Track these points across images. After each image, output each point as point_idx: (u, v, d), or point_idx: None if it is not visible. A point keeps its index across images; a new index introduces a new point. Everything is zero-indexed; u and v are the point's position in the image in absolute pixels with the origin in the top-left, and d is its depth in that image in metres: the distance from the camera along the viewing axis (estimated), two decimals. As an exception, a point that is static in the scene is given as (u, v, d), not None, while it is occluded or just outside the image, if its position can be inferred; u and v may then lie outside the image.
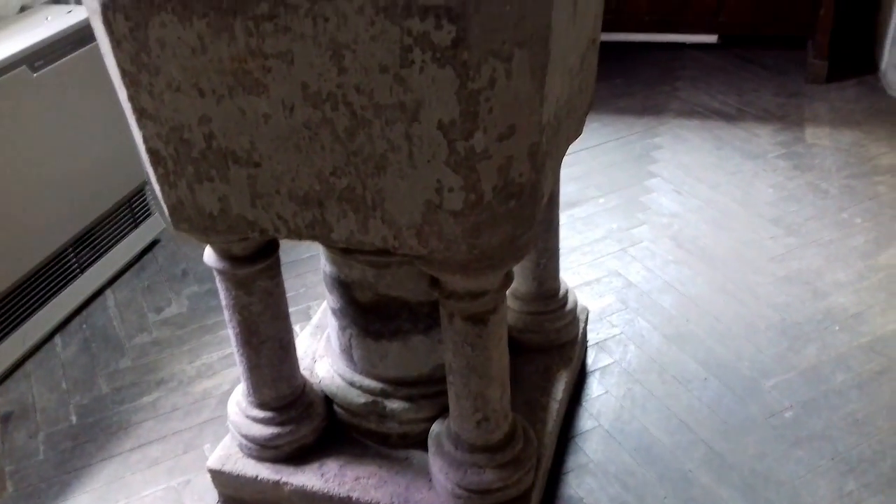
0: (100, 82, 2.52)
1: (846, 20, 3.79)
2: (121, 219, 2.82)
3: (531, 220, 1.37)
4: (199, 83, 1.26)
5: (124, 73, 1.30)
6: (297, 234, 1.41)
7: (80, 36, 2.51)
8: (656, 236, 2.75)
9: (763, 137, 3.32)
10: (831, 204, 2.83)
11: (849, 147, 3.18)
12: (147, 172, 1.45)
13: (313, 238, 1.41)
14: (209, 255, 1.62)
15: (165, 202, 1.45)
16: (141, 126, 1.35)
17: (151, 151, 1.38)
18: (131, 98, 1.32)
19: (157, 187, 1.44)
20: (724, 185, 3.02)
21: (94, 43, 2.49)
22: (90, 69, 2.53)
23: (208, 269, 2.75)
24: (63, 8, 2.64)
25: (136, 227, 2.89)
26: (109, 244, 2.77)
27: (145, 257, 2.91)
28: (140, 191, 2.88)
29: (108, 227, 2.75)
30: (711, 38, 4.18)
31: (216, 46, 1.21)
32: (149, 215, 2.95)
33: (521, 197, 1.31)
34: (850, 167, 3.04)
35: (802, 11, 3.85)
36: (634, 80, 3.90)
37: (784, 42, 4.07)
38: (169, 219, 1.48)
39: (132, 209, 2.86)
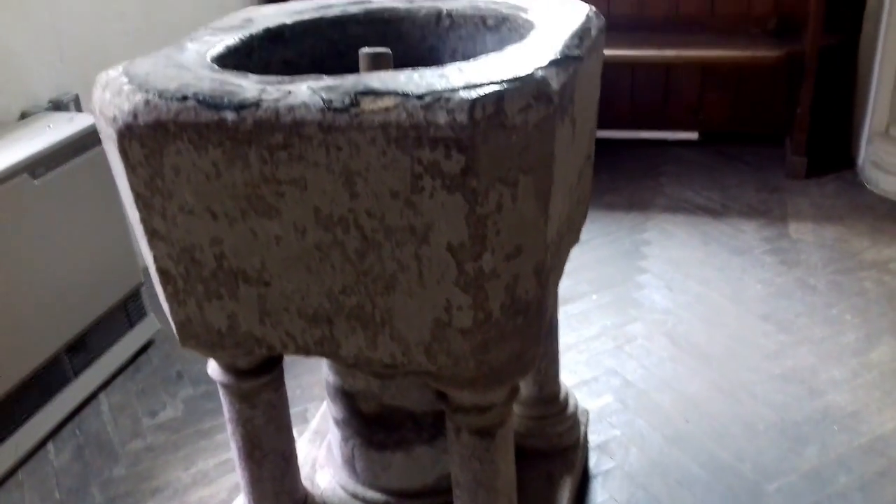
0: (98, 187, 2.56)
1: (822, 117, 3.93)
2: (116, 321, 2.81)
3: (538, 335, 1.39)
4: (212, 207, 1.29)
5: (138, 197, 1.33)
6: (306, 351, 1.42)
7: (81, 143, 2.56)
8: (651, 333, 2.77)
9: (748, 233, 3.39)
10: (820, 300, 2.87)
11: (833, 242, 3.26)
12: (156, 290, 1.46)
13: (322, 354, 1.42)
14: (213, 369, 1.62)
15: (173, 319, 1.46)
16: (152, 246, 1.37)
17: (161, 271, 1.40)
18: (143, 220, 1.35)
19: (165, 305, 1.45)
20: (714, 280, 3.07)
21: (94, 149, 2.54)
22: (89, 174, 2.58)
23: (203, 371, 2.74)
24: (64, 115, 2.70)
25: (131, 328, 2.88)
26: (104, 347, 2.76)
27: (139, 358, 2.90)
28: (136, 292, 2.89)
29: (103, 329, 2.75)
30: (692, 135, 4.32)
31: (230, 173, 1.25)
32: (144, 316, 2.94)
33: (527, 313, 1.34)
34: (836, 262, 3.10)
35: (779, 110, 4.00)
36: (620, 176, 4.00)
37: (762, 139, 4.20)
38: (176, 335, 1.48)
39: (127, 311, 2.86)
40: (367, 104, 1.16)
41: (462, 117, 1.13)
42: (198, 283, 1.39)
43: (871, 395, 2.33)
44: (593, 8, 1.60)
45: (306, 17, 1.73)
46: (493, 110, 1.14)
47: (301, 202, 1.25)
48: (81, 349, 2.66)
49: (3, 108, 2.73)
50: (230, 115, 1.20)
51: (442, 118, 1.13)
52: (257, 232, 1.30)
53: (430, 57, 1.78)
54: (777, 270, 3.10)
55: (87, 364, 2.69)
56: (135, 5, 3.27)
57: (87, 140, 2.57)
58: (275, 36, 1.68)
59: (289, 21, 1.71)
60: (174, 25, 3.43)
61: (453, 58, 1.76)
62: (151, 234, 1.36)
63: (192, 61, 1.43)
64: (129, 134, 1.26)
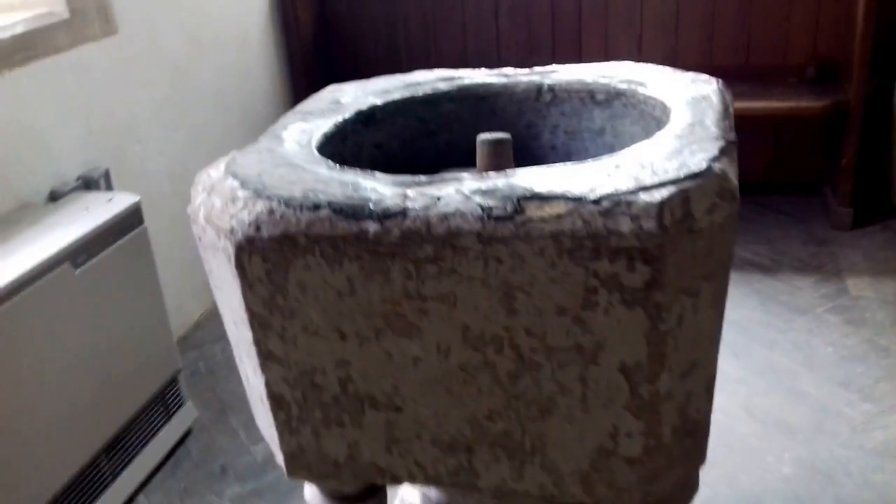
0: (136, 271, 2.40)
1: (862, 164, 3.84)
2: (154, 412, 2.62)
3: (703, 456, 1.23)
4: (342, 326, 1.14)
5: (253, 316, 1.17)
6: (436, 481, 1.26)
7: (120, 226, 2.39)
8: (726, 406, 2.61)
9: (805, 290, 3.26)
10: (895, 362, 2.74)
11: (895, 299, 3.14)
12: (267, 418, 1.29)
13: (455, 485, 1.25)
14: (311, 494, 1.45)
15: (283, 449, 1.29)
16: (265, 370, 1.21)
17: (274, 396, 1.23)
18: (258, 342, 1.19)
19: (273, 433, 1.28)
20: (781, 344, 2.92)
21: (133, 232, 2.38)
22: (128, 259, 2.41)
23: (250, 466, 2.55)
24: (101, 196, 2.53)
25: (168, 419, 2.69)
26: (143, 442, 2.56)
27: (178, 451, 2.70)
28: (173, 380, 2.70)
29: (141, 424, 2.55)
30: (726, 186, 4.21)
31: (367, 289, 1.09)
32: (182, 404, 2.75)
33: (696, 434, 1.18)
34: (903, 319, 2.98)
35: (818, 159, 3.91)
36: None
37: (798, 188, 4.10)
38: (283, 465, 1.31)
39: (165, 400, 2.67)
40: (533, 210, 1.02)
41: (650, 225, 0.98)
42: (316, 410, 1.22)
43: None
44: (720, 81, 1.47)
45: (396, 96, 1.60)
46: (682, 214, 1.00)
47: (448, 320, 1.10)
48: (119, 447, 2.46)
49: (32, 188, 2.57)
50: (372, 227, 1.05)
51: (625, 226, 0.99)
52: (392, 353, 1.14)
53: (527, 133, 1.65)
54: (844, 331, 2.97)
55: (125, 463, 2.48)
56: (160, 73, 3.13)
57: (126, 222, 2.41)
58: (367, 119, 1.54)
59: (379, 102, 1.57)
60: (199, 91, 3.30)
61: (554, 133, 1.63)
62: (266, 357, 1.20)
63: (300, 156, 1.28)
64: (249, 248, 1.10)
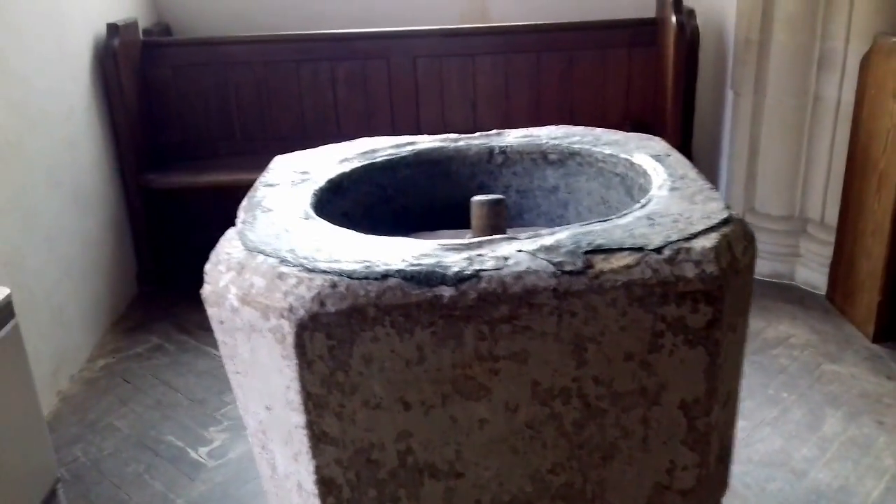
0: (9, 373, 2.13)
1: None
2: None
3: (728, 480, 1.33)
4: (406, 396, 1.11)
5: (308, 397, 1.11)
6: (492, 544, 1.24)
7: (-14, 323, 2.11)
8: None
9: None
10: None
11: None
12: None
13: (511, 544, 1.25)
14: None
15: (328, 536, 1.21)
16: (316, 453, 1.15)
17: (323, 481, 1.16)
18: (310, 424, 1.12)
19: (316, 520, 1.21)
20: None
21: (6, 328, 2.12)
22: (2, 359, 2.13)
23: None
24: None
25: (43, 540, 2.36)
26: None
27: (55, 571, 2.38)
28: (53, 492, 2.39)
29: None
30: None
31: (437, 355, 1.09)
32: (56, 522, 2.43)
33: (726, 460, 1.28)
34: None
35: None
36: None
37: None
38: (322, 553, 1.23)
39: (40, 520, 2.35)
40: (602, 263, 1.08)
41: (712, 268, 1.08)
42: (370, 489, 1.17)
43: (845, 467, 2.50)
44: (661, 141, 1.63)
45: (356, 164, 1.59)
46: (730, 257, 1.11)
47: (517, 377, 1.11)
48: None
49: None
50: (447, 291, 1.05)
51: (690, 271, 1.08)
52: (458, 417, 1.13)
53: (479, 193, 1.70)
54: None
55: None
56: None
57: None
58: (336, 187, 1.53)
59: (346, 170, 1.56)
60: (30, 169, 3.01)
61: (506, 193, 1.70)
62: (318, 439, 1.14)
63: (321, 227, 1.24)
64: (312, 325, 1.05)
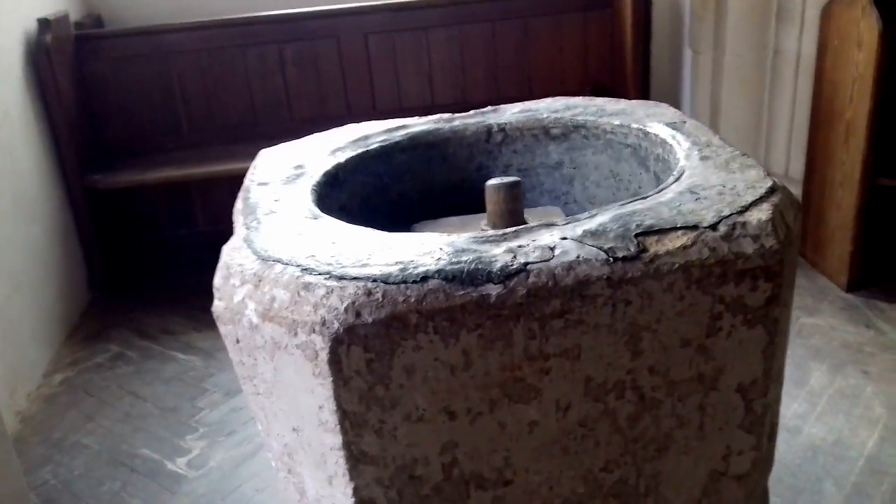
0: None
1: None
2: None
3: (773, 460, 1.28)
4: (452, 405, 1.02)
5: (345, 416, 1.01)
6: (543, 550, 1.17)
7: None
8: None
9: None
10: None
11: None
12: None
13: (564, 548, 1.17)
14: None
15: (371, 561, 1.12)
16: (354, 474, 1.05)
17: (363, 502, 1.07)
18: (349, 444, 1.03)
19: (357, 544, 1.11)
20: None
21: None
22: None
23: None
24: None
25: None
26: None
27: None
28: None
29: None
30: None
31: (485, 359, 1.00)
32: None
33: (775, 436, 1.23)
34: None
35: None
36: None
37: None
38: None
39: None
40: (655, 246, 1.00)
41: (770, 242, 1.01)
42: (414, 506, 1.08)
43: (837, 419, 2.51)
44: (669, 107, 1.56)
45: (349, 153, 1.48)
46: (785, 228, 1.04)
47: (569, 375, 1.03)
48: None
49: None
50: (494, 290, 0.96)
51: (749, 247, 1.01)
52: (507, 423, 1.05)
53: (478, 176, 1.61)
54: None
55: None
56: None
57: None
58: (333, 180, 1.41)
59: (340, 160, 1.45)
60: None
61: (507, 173, 1.62)
62: (357, 460, 1.04)
63: (334, 227, 1.14)
64: (349, 339, 0.95)
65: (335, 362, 0.96)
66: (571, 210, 1.56)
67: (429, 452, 1.04)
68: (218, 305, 1.05)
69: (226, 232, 3.70)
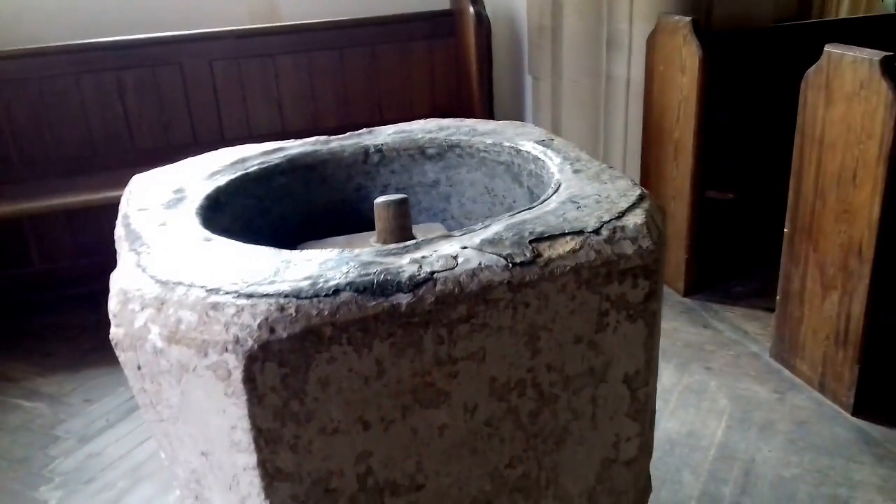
0: None
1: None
2: None
3: (653, 445, 1.39)
4: (366, 415, 1.05)
5: (259, 434, 1.01)
6: (453, 551, 1.21)
7: None
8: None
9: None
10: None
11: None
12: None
13: (472, 547, 1.22)
14: None
15: (286, 580, 1.11)
16: (269, 493, 1.05)
17: (279, 521, 1.07)
18: (263, 462, 1.03)
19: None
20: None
21: None
22: None
23: None
24: None
25: None
26: None
27: None
28: None
29: None
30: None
31: (397, 367, 1.03)
32: None
33: (653, 423, 1.34)
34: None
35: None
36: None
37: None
38: None
39: None
40: (549, 250, 1.08)
41: (647, 243, 1.12)
42: (329, 519, 1.09)
43: (688, 413, 2.71)
44: (535, 126, 1.66)
45: (229, 176, 1.48)
46: (657, 230, 1.15)
47: (476, 377, 1.09)
48: None
49: None
50: (404, 299, 1.00)
51: (629, 248, 1.11)
52: (418, 428, 1.09)
53: (356, 196, 1.65)
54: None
55: None
56: None
57: None
58: (214, 204, 1.40)
59: (221, 184, 1.44)
60: None
61: (385, 192, 1.65)
62: (272, 478, 1.04)
63: (230, 247, 1.13)
64: (263, 355, 0.96)
65: (249, 380, 0.96)
66: (450, 226, 1.62)
67: (343, 464, 1.06)
68: (116, 332, 1.02)
69: (64, 270, 3.57)
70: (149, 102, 3.67)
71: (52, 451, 2.67)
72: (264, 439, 1.00)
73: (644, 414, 1.22)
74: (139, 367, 1.01)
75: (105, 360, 3.15)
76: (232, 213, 1.44)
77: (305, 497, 1.06)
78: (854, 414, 2.59)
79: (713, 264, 3.55)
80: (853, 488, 2.30)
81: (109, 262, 3.80)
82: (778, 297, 2.83)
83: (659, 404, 2.71)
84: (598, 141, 3.78)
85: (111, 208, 3.56)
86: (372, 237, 1.38)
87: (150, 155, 3.48)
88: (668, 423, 2.68)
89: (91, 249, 3.68)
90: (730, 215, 3.53)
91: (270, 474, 1.03)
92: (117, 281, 1.06)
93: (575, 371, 1.13)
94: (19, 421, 2.83)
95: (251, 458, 1.01)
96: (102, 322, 3.60)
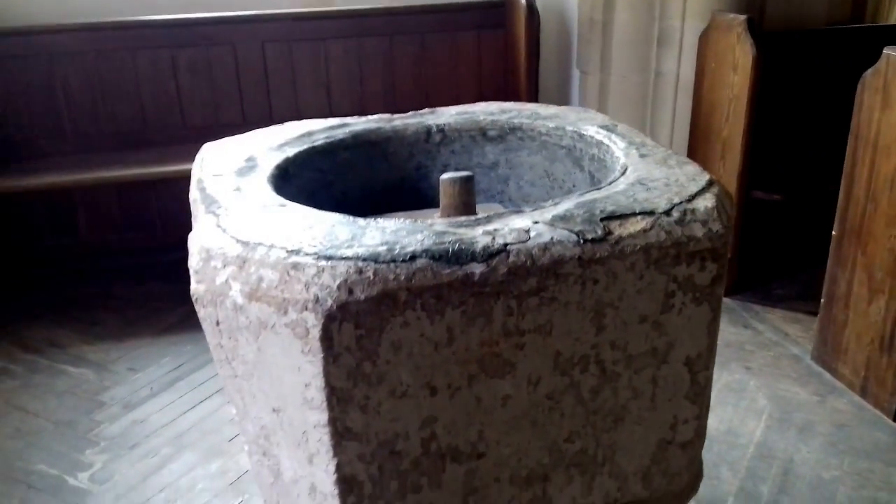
0: None
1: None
2: None
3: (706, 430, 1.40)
4: (433, 380, 1.07)
5: (332, 392, 1.04)
6: (508, 521, 1.23)
7: None
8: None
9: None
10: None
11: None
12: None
13: (526, 519, 1.24)
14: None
15: (347, 538, 1.14)
16: (338, 452, 1.08)
17: (345, 479, 1.10)
18: (334, 420, 1.05)
19: (334, 523, 1.13)
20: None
21: None
22: None
23: None
24: None
25: None
26: None
27: None
28: None
29: None
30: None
31: (466, 335, 1.06)
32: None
33: (707, 409, 1.35)
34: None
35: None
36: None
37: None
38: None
39: None
40: (619, 229, 1.09)
41: (717, 227, 1.13)
42: (392, 481, 1.12)
43: (727, 411, 2.71)
44: (597, 112, 1.67)
45: (297, 148, 1.51)
46: (726, 215, 1.16)
47: (541, 350, 1.11)
48: None
49: None
50: (478, 268, 1.02)
51: (699, 231, 1.12)
52: (482, 397, 1.11)
53: (416, 175, 1.68)
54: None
55: None
56: None
57: None
58: (284, 174, 1.43)
59: (289, 155, 1.47)
60: None
61: (445, 172, 1.68)
62: (341, 436, 1.07)
63: (306, 213, 1.16)
64: (341, 315, 0.99)
65: (327, 339, 0.99)
66: (507, 208, 1.64)
67: (409, 427, 1.08)
68: (197, 288, 1.05)
69: (112, 242, 3.64)
70: (201, 81, 3.73)
71: (98, 417, 2.73)
72: (336, 398, 1.03)
73: (702, 398, 1.23)
74: (217, 323, 1.05)
75: (149, 330, 3.22)
76: (298, 185, 1.47)
77: (371, 457, 1.08)
78: (896, 419, 2.57)
79: (756, 265, 3.54)
80: (893, 492, 2.28)
81: (155, 237, 3.86)
82: (822, 300, 2.81)
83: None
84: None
85: (160, 183, 3.64)
86: (435, 214, 1.40)
87: (200, 133, 3.53)
88: (708, 420, 2.67)
89: (138, 223, 3.75)
90: (775, 217, 3.50)
91: (340, 433, 1.06)
92: (198, 240, 1.10)
93: (638, 350, 1.15)
94: (66, 386, 2.90)
95: (322, 416, 1.04)
96: (146, 294, 3.69)
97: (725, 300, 3.39)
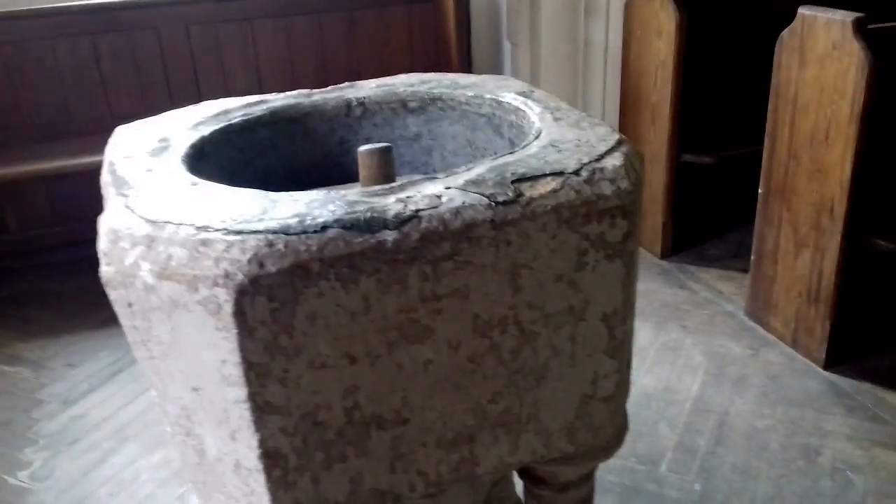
0: None
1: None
2: None
3: (630, 383, 1.43)
4: (353, 350, 1.08)
5: (250, 367, 1.03)
6: (438, 484, 1.25)
7: None
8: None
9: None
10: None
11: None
12: (247, 487, 1.13)
13: (456, 480, 1.26)
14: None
15: (275, 511, 1.15)
16: (259, 426, 1.08)
17: (268, 454, 1.10)
18: (253, 395, 1.05)
19: (261, 497, 1.14)
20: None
21: None
22: None
23: None
24: None
25: None
26: None
27: None
28: None
29: None
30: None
31: (383, 303, 1.06)
32: None
33: (631, 362, 1.38)
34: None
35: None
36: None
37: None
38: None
39: None
40: (530, 190, 1.11)
41: (625, 185, 1.15)
42: (317, 452, 1.13)
43: (664, 369, 2.77)
44: (515, 80, 1.68)
45: (213, 127, 1.49)
46: (635, 172, 1.19)
47: (459, 314, 1.12)
48: None
49: None
50: (390, 235, 1.03)
51: (608, 189, 1.14)
52: (403, 363, 1.12)
53: (339, 150, 1.67)
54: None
55: None
56: None
57: None
58: (199, 153, 1.42)
59: (205, 133, 1.45)
60: None
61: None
62: (262, 410, 1.07)
63: (216, 190, 1.15)
64: (253, 289, 0.98)
65: (240, 314, 0.98)
66: (432, 178, 1.64)
67: (331, 398, 1.09)
68: (107, 270, 1.04)
69: (41, 237, 3.60)
70: (125, 67, 3.64)
71: (36, 414, 2.69)
72: (254, 373, 1.03)
73: (621, 352, 1.26)
74: (130, 305, 1.03)
75: (85, 325, 3.16)
76: (217, 164, 1.46)
77: (294, 430, 1.09)
78: (825, 368, 2.66)
79: (689, 227, 3.61)
80: (823, 437, 2.37)
81: (86, 229, 3.79)
82: (752, 257, 2.89)
83: (636, 361, 2.78)
84: (575, 107, 3.81)
85: (88, 174, 3.55)
86: (355, 189, 1.40)
87: (127, 120, 3.43)
88: (645, 378, 2.74)
89: (68, 216, 3.67)
90: (706, 179, 3.58)
91: (260, 407, 1.06)
92: (106, 222, 1.08)
93: (555, 309, 1.17)
94: (2, 385, 2.84)
95: (241, 392, 1.04)
96: (81, 288, 3.62)
97: (661, 263, 3.46)
